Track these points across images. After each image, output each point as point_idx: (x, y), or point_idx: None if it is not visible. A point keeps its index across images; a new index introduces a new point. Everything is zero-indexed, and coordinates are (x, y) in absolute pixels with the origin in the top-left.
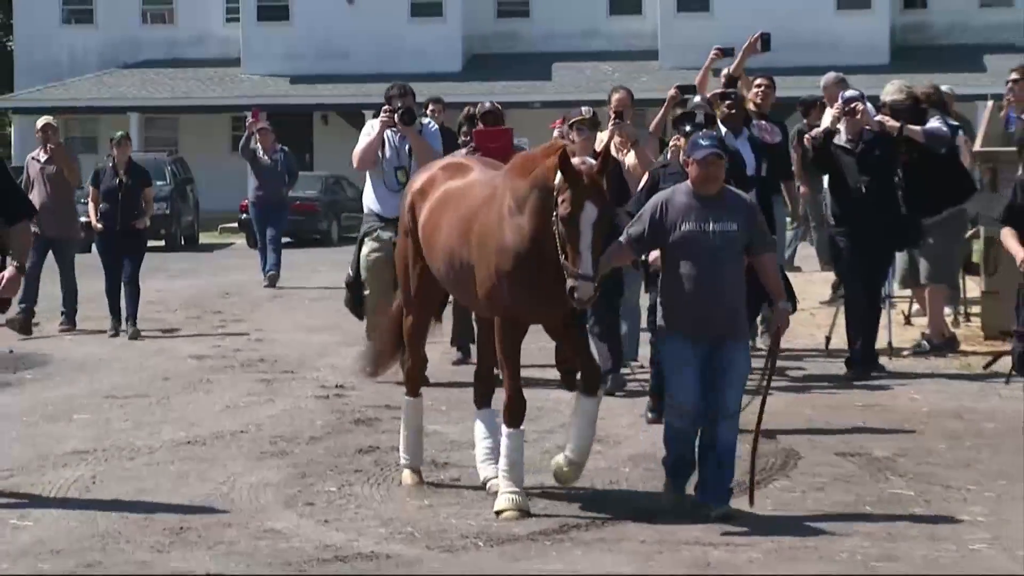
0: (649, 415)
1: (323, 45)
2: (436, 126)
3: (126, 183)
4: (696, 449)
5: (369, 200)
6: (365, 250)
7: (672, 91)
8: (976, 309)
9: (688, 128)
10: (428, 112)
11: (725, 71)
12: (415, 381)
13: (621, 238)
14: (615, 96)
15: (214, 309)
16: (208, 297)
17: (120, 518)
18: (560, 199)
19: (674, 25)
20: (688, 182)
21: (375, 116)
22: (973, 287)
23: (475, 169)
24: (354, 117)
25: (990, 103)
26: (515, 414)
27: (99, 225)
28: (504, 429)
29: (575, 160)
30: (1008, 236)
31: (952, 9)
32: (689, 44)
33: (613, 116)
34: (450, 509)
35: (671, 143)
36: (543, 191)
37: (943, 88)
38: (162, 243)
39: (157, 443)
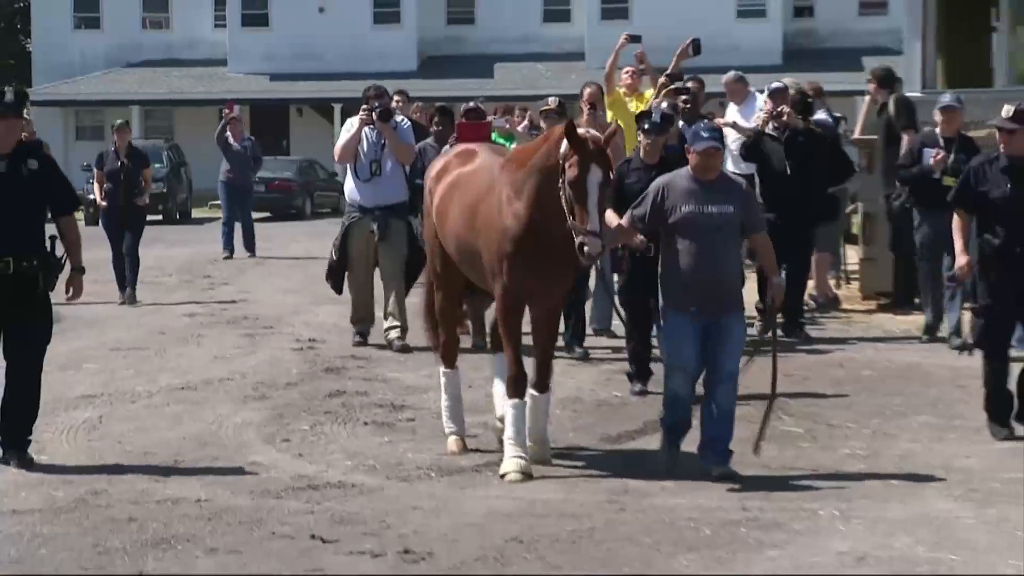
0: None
1: (298, 48)
2: (408, 123)
3: (127, 165)
4: (691, 411)
5: (348, 190)
6: (351, 238)
7: (663, 79)
8: (855, 274)
9: (647, 126)
10: (394, 102)
11: (665, 75)
12: (450, 355)
13: (624, 218)
14: (587, 90)
15: (204, 274)
16: (199, 263)
17: (123, 452)
18: (567, 164)
19: (599, 31)
20: (688, 168)
21: (357, 114)
22: (852, 255)
23: (481, 155)
24: (325, 110)
25: (867, 98)
26: (517, 386)
27: (103, 203)
28: (508, 400)
29: (580, 130)
30: (957, 229)
31: (834, 18)
32: (611, 47)
33: (588, 107)
34: (406, 445)
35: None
36: (544, 170)
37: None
38: (160, 217)
39: (155, 388)
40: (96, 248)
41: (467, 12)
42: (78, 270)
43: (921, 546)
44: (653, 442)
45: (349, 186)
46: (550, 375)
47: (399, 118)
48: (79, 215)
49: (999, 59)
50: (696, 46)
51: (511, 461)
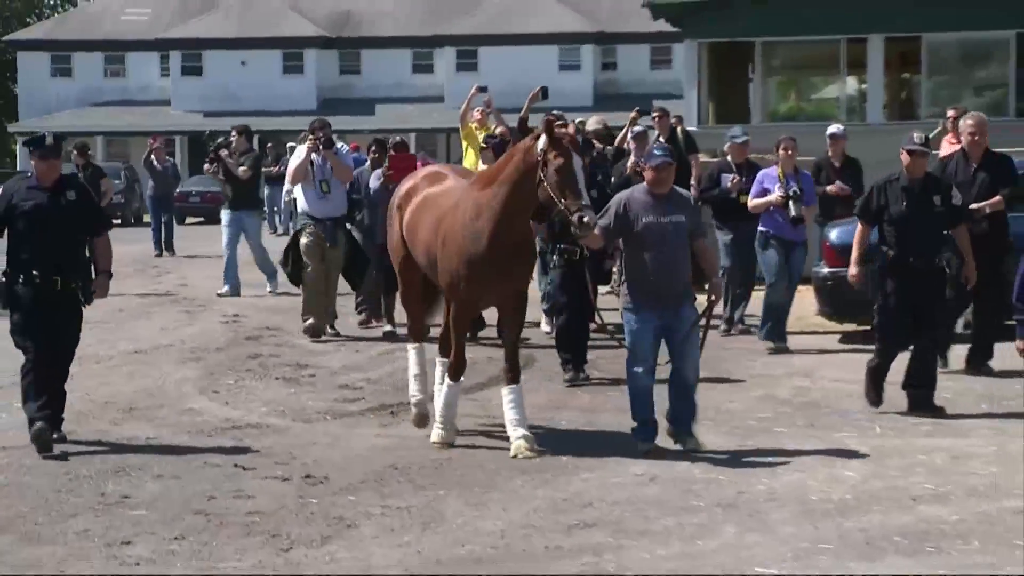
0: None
1: (225, 92)
2: (347, 148)
3: (84, 177)
4: (654, 408)
5: (302, 204)
6: (302, 240)
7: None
8: None
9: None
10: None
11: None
12: (418, 336)
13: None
14: (591, 121)
15: (152, 265)
16: (148, 257)
17: (89, 402)
18: (551, 156)
19: (455, 80)
20: (644, 183)
21: (301, 142)
22: None
23: (449, 177)
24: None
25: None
26: (455, 371)
27: None
28: (447, 380)
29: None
30: (857, 240)
31: (632, 70)
32: (465, 93)
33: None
34: (308, 395)
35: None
36: (520, 175)
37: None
38: (119, 221)
39: (114, 352)
40: None
41: (355, 65)
42: (104, 273)
43: (697, 470)
44: (495, 394)
45: (302, 201)
46: (518, 368)
47: (339, 145)
48: None
49: (754, 102)
50: (544, 92)
51: (438, 431)
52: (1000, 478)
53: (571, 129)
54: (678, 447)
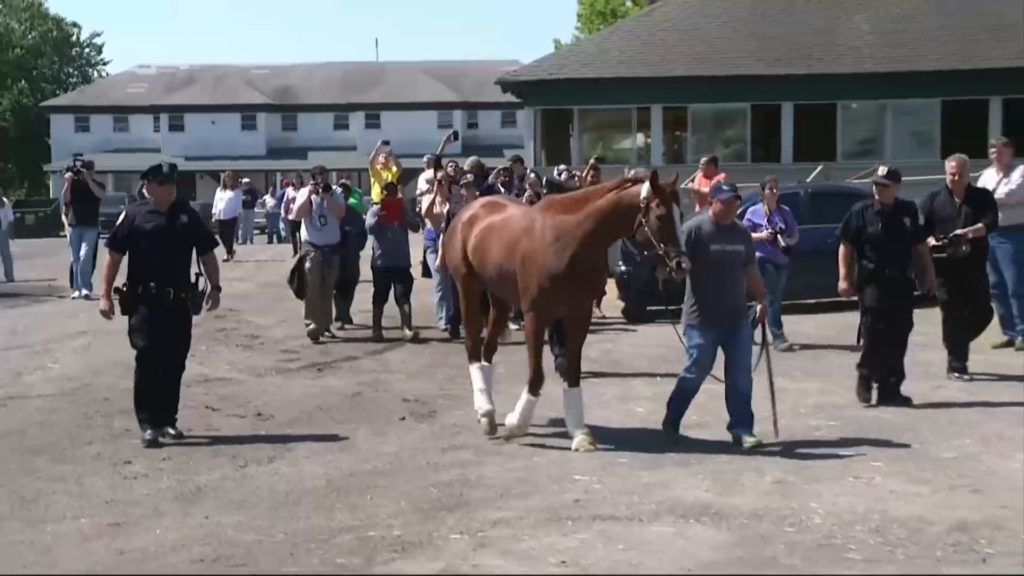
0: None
1: (200, 143)
2: (340, 190)
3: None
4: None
5: (305, 235)
6: (306, 264)
7: (448, 134)
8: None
9: (468, 180)
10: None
11: (429, 155)
12: (475, 354)
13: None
14: (469, 161)
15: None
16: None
17: (102, 362)
18: (654, 204)
19: (364, 134)
20: (710, 214)
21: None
22: None
23: (509, 206)
24: (215, 177)
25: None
26: (534, 385)
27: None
28: (525, 395)
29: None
30: (842, 258)
31: (491, 127)
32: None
33: (470, 175)
34: (259, 357)
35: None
36: (613, 213)
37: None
38: None
39: (121, 327)
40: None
41: (292, 124)
42: (216, 288)
43: (538, 409)
44: (401, 352)
45: (305, 233)
46: (579, 373)
47: (335, 187)
48: None
49: (574, 150)
50: (456, 135)
51: (579, 440)
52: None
53: (452, 170)
54: (740, 446)
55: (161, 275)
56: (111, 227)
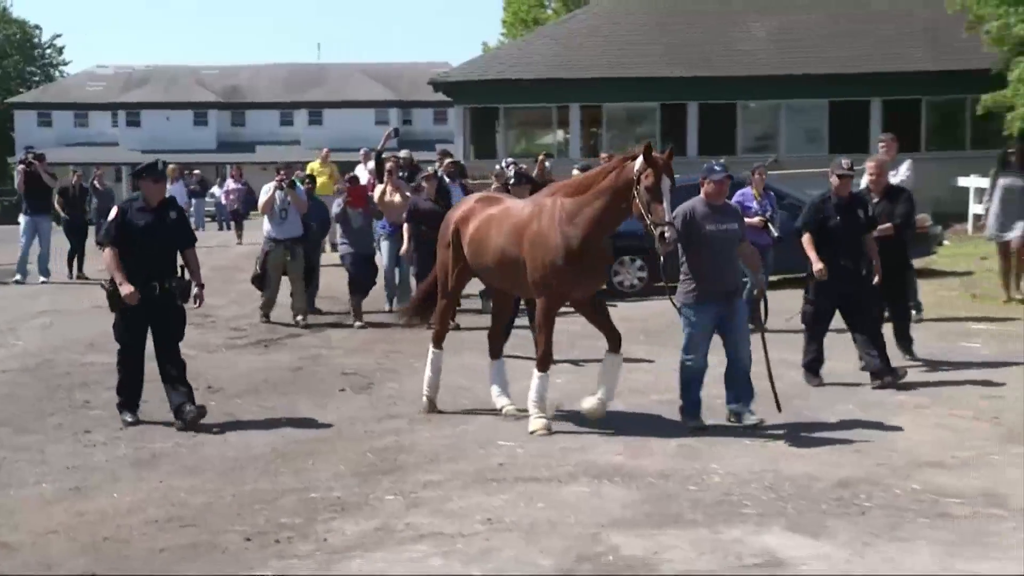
0: None
1: (155, 138)
2: (303, 187)
3: (75, 190)
4: (701, 389)
5: (266, 229)
6: (269, 258)
7: (389, 130)
8: None
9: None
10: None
11: (365, 149)
12: (440, 339)
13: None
14: (447, 160)
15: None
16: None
17: (63, 339)
18: (644, 175)
19: (307, 130)
20: (702, 194)
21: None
22: None
23: (505, 200)
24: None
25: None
26: (545, 363)
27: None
28: (536, 372)
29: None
30: (808, 245)
31: (423, 124)
32: (314, 140)
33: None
34: (211, 335)
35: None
36: (615, 190)
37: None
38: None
39: (81, 307)
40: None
41: (241, 120)
42: (200, 286)
43: (464, 379)
44: (341, 330)
45: (267, 226)
46: (619, 335)
47: (299, 185)
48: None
49: (500, 145)
50: (396, 132)
51: (538, 421)
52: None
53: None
54: (737, 423)
55: (149, 270)
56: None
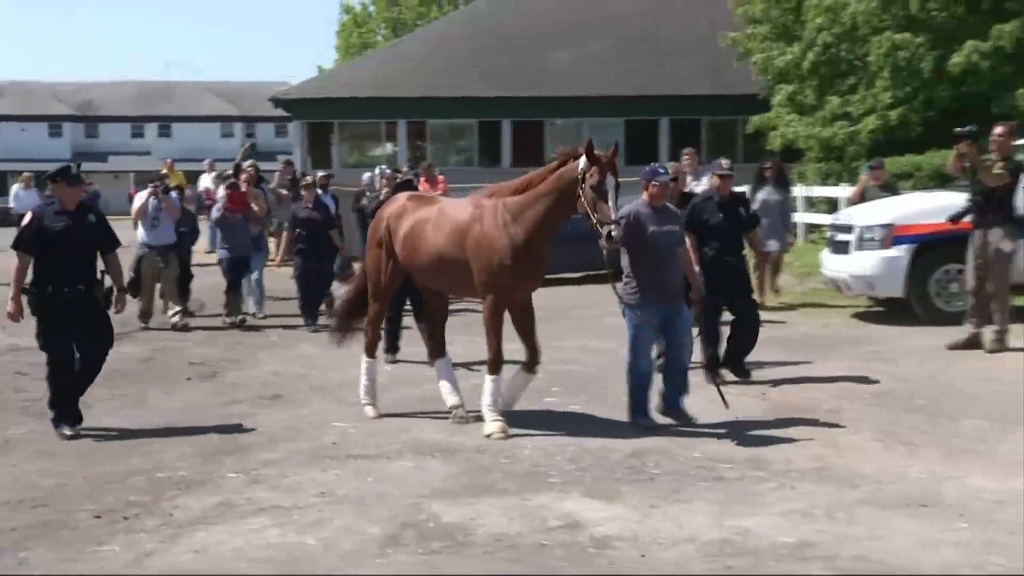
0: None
1: (13, 148)
2: (176, 195)
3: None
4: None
5: (140, 235)
6: (143, 264)
7: (246, 145)
8: None
9: (309, 183)
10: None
11: (208, 160)
12: (373, 348)
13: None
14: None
15: None
16: None
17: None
18: (589, 174)
19: (157, 142)
20: (645, 197)
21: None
22: None
23: (439, 201)
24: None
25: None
26: (496, 366)
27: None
28: (488, 376)
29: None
30: (691, 245)
31: (267, 136)
32: (164, 152)
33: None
34: (167, 341)
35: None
36: (559, 191)
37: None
38: None
39: None
40: None
41: (95, 132)
42: (122, 291)
43: (297, 366)
44: (190, 323)
45: (141, 232)
46: (538, 358)
47: (172, 193)
48: None
49: (335, 156)
50: (253, 146)
51: (493, 425)
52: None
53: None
54: (671, 421)
55: (69, 275)
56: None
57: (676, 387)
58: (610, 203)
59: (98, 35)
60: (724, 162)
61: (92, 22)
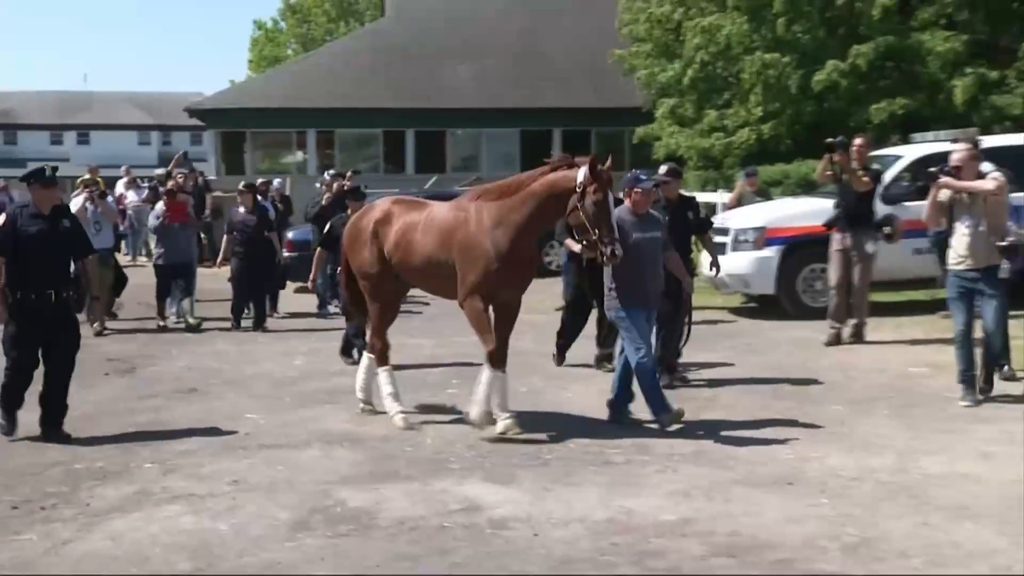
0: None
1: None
2: (113, 199)
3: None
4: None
5: None
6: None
7: (179, 154)
8: None
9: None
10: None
11: (126, 167)
12: (384, 356)
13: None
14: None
15: None
16: None
17: None
18: (591, 189)
19: (77, 149)
20: (627, 203)
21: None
22: None
23: (427, 205)
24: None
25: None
26: (495, 359)
27: None
28: (489, 370)
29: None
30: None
31: (183, 145)
32: (83, 158)
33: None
34: (85, 338)
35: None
36: (549, 197)
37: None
38: None
39: None
40: None
41: (14, 139)
42: (95, 298)
43: (243, 359)
44: (109, 323)
45: None
46: (505, 355)
47: (109, 196)
48: None
49: (248, 163)
50: (185, 155)
51: (505, 424)
52: None
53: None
54: (617, 419)
55: (43, 279)
56: None
57: (634, 389)
58: (611, 221)
59: (16, 46)
60: (662, 168)
61: (10, 33)
